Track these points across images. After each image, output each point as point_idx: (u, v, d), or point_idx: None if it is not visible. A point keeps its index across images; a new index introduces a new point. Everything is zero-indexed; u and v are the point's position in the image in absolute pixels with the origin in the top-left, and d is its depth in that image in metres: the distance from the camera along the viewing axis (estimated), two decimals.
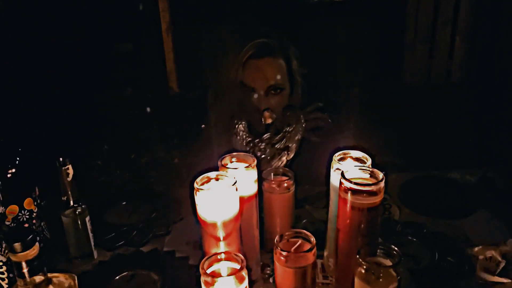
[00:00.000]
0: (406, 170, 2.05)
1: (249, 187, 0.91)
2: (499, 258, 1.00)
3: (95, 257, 1.20)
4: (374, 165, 0.89)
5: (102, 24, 4.66)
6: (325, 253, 1.00)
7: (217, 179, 0.83)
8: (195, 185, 0.79)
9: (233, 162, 0.93)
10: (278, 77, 1.36)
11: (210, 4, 4.78)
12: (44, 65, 4.23)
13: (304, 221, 1.17)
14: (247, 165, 0.91)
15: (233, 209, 0.81)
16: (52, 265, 1.11)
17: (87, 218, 1.16)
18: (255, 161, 0.91)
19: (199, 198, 0.79)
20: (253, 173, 0.91)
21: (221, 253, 0.77)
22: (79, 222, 1.15)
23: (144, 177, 3.34)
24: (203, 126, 1.54)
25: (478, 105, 3.40)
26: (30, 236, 0.79)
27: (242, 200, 0.90)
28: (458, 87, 4.10)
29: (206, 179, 0.82)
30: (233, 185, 0.80)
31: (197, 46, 4.68)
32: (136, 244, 1.25)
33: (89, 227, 1.17)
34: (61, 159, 1.09)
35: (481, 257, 1.03)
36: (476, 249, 1.06)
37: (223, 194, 0.80)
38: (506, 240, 1.06)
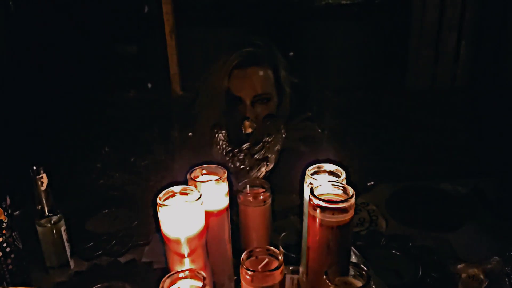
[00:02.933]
0: (400, 177, 2.02)
1: (220, 200, 0.89)
2: (482, 277, 0.96)
3: (72, 267, 1.18)
4: (348, 180, 0.86)
5: (106, 25, 4.67)
6: (301, 269, 0.97)
7: (182, 194, 0.80)
8: (158, 201, 0.76)
9: (203, 174, 0.90)
10: (265, 86, 1.33)
11: (214, 7, 4.78)
12: (44, 66, 4.24)
13: (283, 234, 1.14)
14: (217, 177, 0.88)
15: (198, 224, 0.79)
16: (26, 275, 1.10)
17: (63, 228, 1.14)
18: (226, 174, 0.88)
19: (162, 213, 0.76)
20: (224, 186, 0.88)
21: (183, 271, 0.74)
22: (54, 231, 1.13)
23: (144, 180, 3.32)
24: (190, 134, 1.52)
25: (478, 112, 3.34)
26: None
27: (211, 214, 0.88)
28: (462, 92, 4.04)
29: (170, 194, 0.80)
30: (197, 199, 0.77)
31: (201, 49, 4.67)
32: (114, 254, 1.23)
33: (64, 236, 1.15)
34: (34, 167, 1.07)
35: (463, 275, 0.99)
36: (459, 266, 1.02)
37: (187, 209, 0.77)
38: (491, 257, 1.02)
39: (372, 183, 1.46)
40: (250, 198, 0.99)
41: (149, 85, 4.77)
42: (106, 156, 3.67)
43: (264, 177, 1.16)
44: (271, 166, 1.16)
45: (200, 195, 0.78)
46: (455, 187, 1.45)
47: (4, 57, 4.14)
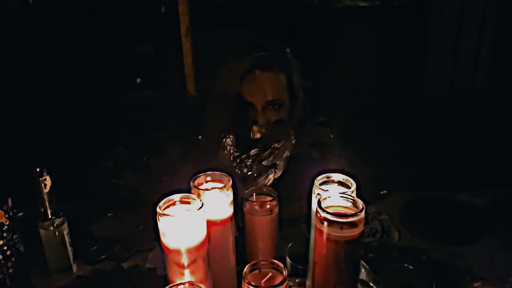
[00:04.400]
0: (415, 186, 1.95)
1: (224, 209, 0.85)
2: None
3: (74, 271, 1.16)
4: (358, 191, 0.81)
5: (123, 25, 4.68)
6: (308, 282, 0.93)
7: (183, 202, 0.77)
8: (158, 210, 0.73)
9: (208, 181, 0.87)
10: (277, 92, 1.29)
11: (229, 9, 4.76)
12: (57, 65, 4.26)
13: (290, 244, 1.10)
14: (221, 185, 0.84)
15: (199, 235, 0.75)
16: (27, 279, 1.08)
17: (66, 231, 1.12)
18: (231, 181, 0.85)
19: (162, 223, 0.73)
20: (229, 195, 0.85)
21: (182, 283, 0.71)
22: (57, 235, 1.11)
23: (156, 180, 3.30)
24: (200, 137, 1.49)
25: (498, 119, 3.25)
26: None
27: (214, 223, 0.84)
28: (480, 98, 3.95)
29: (171, 202, 0.76)
30: (199, 209, 0.74)
31: (216, 50, 4.65)
32: (118, 259, 1.20)
33: (67, 239, 1.13)
34: (38, 169, 1.05)
35: None
36: (475, 284, 0.97)
37: (188, 219, 0.74)
38: (510, 275, 0.97)
39: (385, 191, 1.41)
40: (257, 207, 0.96)
41: (138, 80, 4.75)
42: (118, 155, 3.67)
43: (272, 184, 1.12)
44: (279, 173, 1.12)
45: (202, 204, 0.74)
46: (472, 198, 1.40)
47: (21, 55, 4.17)
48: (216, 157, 1.29)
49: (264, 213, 0.95)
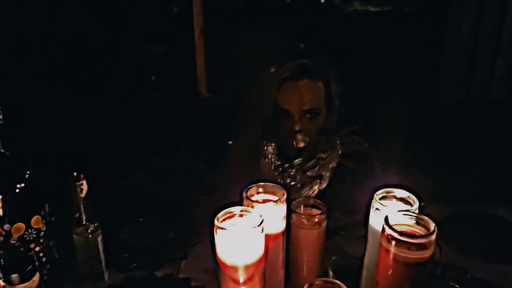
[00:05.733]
0: (452, 199, 1.89)
1: (277, 224, 0.81)
2: None
3: (106, 278, 1.12)
4: (420, 209, 0.77)
5: (136, 24, 4.65)
6: None
7: (241, 216, 0.73)
8: (216, 222, 0.69)
9: (259, 193, 0.83)
10: (315, 101, 1.25)
11: (243, 10, 4.73)
12: (73, 66, 4.23)
13: (334, 257, 1.06)
14: (276, 199, 0.80)
15: (257, 251, 0.71)
16: (59, 285, 1.04)
17: (100, 237, 1.08)
18: (285, 195, 0.81)
19: (219, 237, 0.69)
20: (282, 209, 0.81)
21: None
22: (91, 241, 1.07)
23: (168, 182, 3.28)
24: (230, 142, 1.45)
25: None
26: (30, 267, 0.71)
27: (267, 238, 0.80)
28: (499, 106, 3.89)
29: (228, 215, 0.72)
30: (259, 225, 0.70)
31: (229, 52, 4.63)
32: (150, 267, 1.16)
33: (101, 246, 1.09)
34: (75, 173, 1.02)
35: None
36: None
37: (247, 234, 0.70)
38: None
39: (423, 204, 1.37)
40: (304, 220, 0.92)
41: (153, 78, 4.71)
42: (131, 156, 3.64)
43: (318, 194, 1.08)
44: (324, 184, 1.08)
45: (262, 220, 0.71)
46: (510, 213, 1.36)
47: (33, 56, 4.14)
48: (250, 163, 1.25)
49: (311, 226, 0.91)
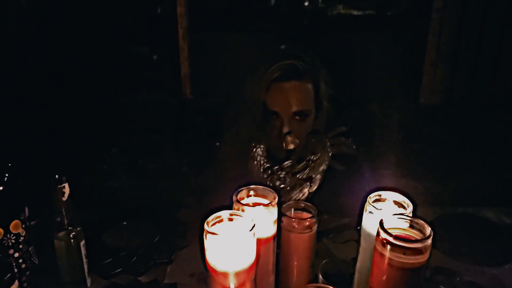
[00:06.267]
0: (440, 201, 1.89)
1: (268, 228, 0.79)
2: None
3: (88, 285, 1.08)
4: (414, 213, 0.76)
5: (120, 25, 4.60)
6: None
7: (230, 220, 0.70)
8: (205, 227, 0.66)
9: (250, 196, 0.81)
10: (304, 102, 1.23)
11: (228, 12, 4.71)
12: (54, 66, 4.15)
13: (324, 261, 1.04)
14: (267, 202, 0.78)
15: (249, 257, 0.69)
16: None
17: (82, 242, 1.04)
18: (276, 198, 0.78)
19: (209, 242, 0.66)
20: (273, 212, 0.78)
21: None
22: (73, 246, 1.03)
23: (152, 184, 3.24)
24: (217, 143, 1.42)
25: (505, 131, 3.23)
26: (8, 275, 0.67)
27: (258, 242, 0.78)
28: (480, 109, 3.94)
29: (218, 219, 0.70)
30: (251, 230, 0.67)
31: (214, 53, 4.60)
32: (134, 273, 1.13)
33: (83, 251, 1.05)
34: (57, 176, 0.98)
35: None
36: None
37: (238, 240, 0.67)
38: None
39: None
40: (295, 223, 0.89)
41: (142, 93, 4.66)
42: (114, 158, 3.58)
43: (308, 197, 1.06)
44: (314, 187, 1.06)
45: (254, 225, 0.68)
46: (499, 215, 1.36)
47: (14, 58, 4.04)
48: (239, 165, 1.22)
49: (302, 230, 0.89)
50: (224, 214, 0.70)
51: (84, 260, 1.06)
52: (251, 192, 0.81)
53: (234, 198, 0.78)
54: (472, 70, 4.15)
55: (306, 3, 4.60)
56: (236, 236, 0.67)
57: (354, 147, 1.37)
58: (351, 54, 4.18)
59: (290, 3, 4.66)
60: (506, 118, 3.40)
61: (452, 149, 3.18)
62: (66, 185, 0.99)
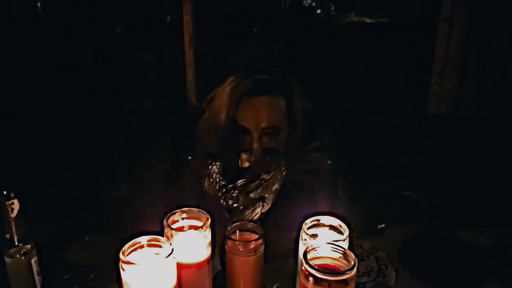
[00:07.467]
0: (416, 219, 1.84)
1: (200, 252, 0.76)
2: None
3: None
4: (350, 239, 0.72)
5: (127, 32, 4.64)
6: None
7: (151, 246, 0.68)
8: (121, 256, 0.64)
9: (184, 219, 0.78)
10: (275, 118, 1.20)
11: (234, 20, 4.72)
12: (61, 71, 4.21)
13: (276, 285, 1.00)
14: (199, 225, 0.75)
15: (168, 283, 0.66)
16: None
17: (34, 259, 1.03)
18: (209, 221, 0.76)
19: (126, 272, 0.64)
20: (206, 236, 0.76)
21: None
22: (24, 263, 1.02)
23: (151, 192, 3.23)
24: (189, 157, 1.39)
25: (507, 144, 3.14)
26: None
27: (189, 267, 0.75)
28: (487, 121, 3.86)
29: (137, 246, 0.67)
30: (167, 256, 0.65)
31: (219, 61, 4.60)
32: None
33: (35, 268, 1.03)
34: (5, 192, 0.96)
35: None
36: None
37: (156, 266, 0.64)
38: None
39: (383, 225, 1.31)
40: (240, 247, 0.86)
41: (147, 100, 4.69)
42: (113, 165, 3.59)
43: (261, 217, 1.02)
44: (267, 207, 1.03)
45: (172, 250, 0.65)
46: (477, 236, 1.30)
47: (21, 60, 4.11)
48: (198, 182, 1.19)
49: (247, 253, 0.86)
50: (142, 240, 0.67)
51: (37, 277, 1.04)
52: (184, 215, 0.78)
53: (164, 222, 0.75)
54: (480, 80, 4.07)
55: (315, 11, 4.58)
56: (153, 263, 0.64)
57: (328, 162, 1.34)
58: (356, 64, 4.15)
59: (297, 12, 4.65)
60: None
61: (452, 162, 3.11)
62: (15, 201, 0.98)
